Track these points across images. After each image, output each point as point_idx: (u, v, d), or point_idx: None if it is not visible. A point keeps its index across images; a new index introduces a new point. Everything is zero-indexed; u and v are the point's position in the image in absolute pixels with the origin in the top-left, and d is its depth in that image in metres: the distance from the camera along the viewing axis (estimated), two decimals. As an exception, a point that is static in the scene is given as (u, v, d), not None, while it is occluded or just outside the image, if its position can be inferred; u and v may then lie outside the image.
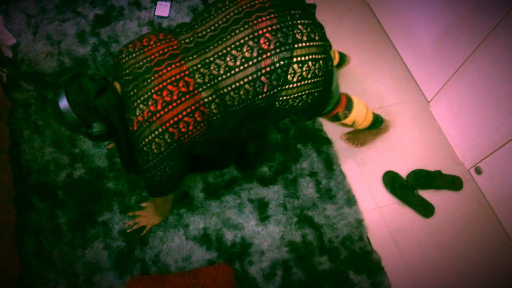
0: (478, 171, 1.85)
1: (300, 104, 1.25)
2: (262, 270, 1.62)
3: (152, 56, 1.17)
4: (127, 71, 1.18)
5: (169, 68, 1.15)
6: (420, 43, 2.00)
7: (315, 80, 1.19)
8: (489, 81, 1.68)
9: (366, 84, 2.11)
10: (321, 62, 1.18)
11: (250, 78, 1.15)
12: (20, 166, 1.73)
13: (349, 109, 1.51)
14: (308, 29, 1.16)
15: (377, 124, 1.73)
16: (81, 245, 1.61)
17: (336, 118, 1.53)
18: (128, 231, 1.64)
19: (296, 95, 1.21)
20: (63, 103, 1.09)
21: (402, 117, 2.03)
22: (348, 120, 1.55)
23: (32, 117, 1.84)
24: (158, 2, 2.22)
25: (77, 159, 1.77)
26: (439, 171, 1.85)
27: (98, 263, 1.59)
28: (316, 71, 1.18)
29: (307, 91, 1.21)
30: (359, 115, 1.57)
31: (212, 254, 1.64)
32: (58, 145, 1.79)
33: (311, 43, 1.16)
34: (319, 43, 1.18)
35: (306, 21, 1.17)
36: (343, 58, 1.98)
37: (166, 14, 2.20)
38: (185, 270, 1.59)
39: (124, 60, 1.20)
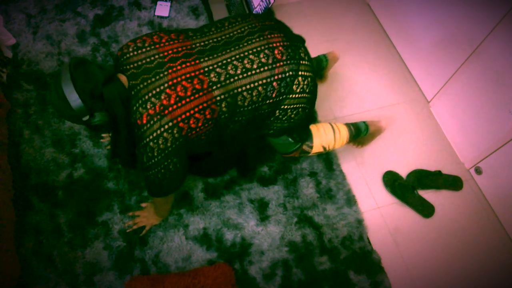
0: (478, 171, 1.85)
1: (296, 117, 1.38)
2: (262, 270, 1.62)
3: (165, 53, 1.20)
4: (135, 65, 1.19)
5: (183, 66, 1.19)
6: (420, 43, 2.01)
7: (309, 95, 1.36)
8: (489, 81, 1.68)
9: (366, 84, 2.11)
10: (314, 81, 1.36)
11: (264, 81, 1.25)
12: (20, 166, 1.73)
13: (309, 140, 1.56)
14: (306, 53, 1.35)
15: (362, 134, 1.71)
16: (81, 245, 1.61)
17: (304, 152, 1.59)
18: (127, 231, 1.64)
19: (294, 106, 1.34)
20: (69, 89, 1.07)
21: (402, 117, 2.03)
22: (316, 149, 1.59)
23: (32, 117, 1.84)
24: (158, 2, 2.23)
25: (77, 159, 1.77)
26: (439, 171, 1.85)
27: (98, 263, 1.59)
28: (311, 87, 1.35)
29: (302, 105, 1.36)
30: (325, 139, 1.59)
31: (212, 254, 1.64)
32: (58, 145, 1.79)
33: (309, 63, 1.34)
34: (312, 67, 1.36)
35: (304, 48, 1.36)
36: (323, 61, 1.92)
37: (166, 14, 2.20)
38: (185, 270, 1.59)
39: (131, 54, 1.21)
